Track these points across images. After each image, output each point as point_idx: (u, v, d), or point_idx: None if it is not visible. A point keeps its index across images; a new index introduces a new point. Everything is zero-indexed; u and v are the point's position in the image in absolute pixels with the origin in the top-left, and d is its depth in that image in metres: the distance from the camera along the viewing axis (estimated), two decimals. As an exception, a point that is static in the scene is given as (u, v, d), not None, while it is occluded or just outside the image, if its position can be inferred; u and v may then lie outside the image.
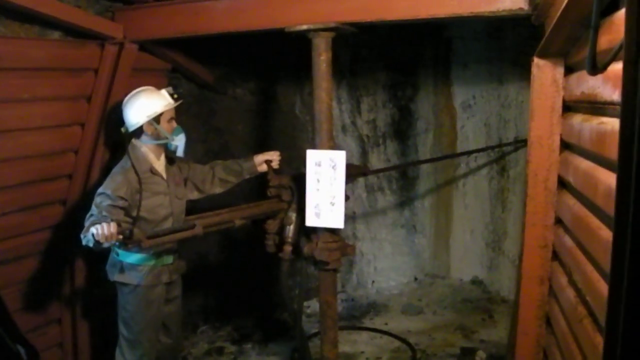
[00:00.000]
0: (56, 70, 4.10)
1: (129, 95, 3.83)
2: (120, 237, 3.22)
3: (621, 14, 1.60)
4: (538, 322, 3.01)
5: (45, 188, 4.34)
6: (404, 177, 6.78)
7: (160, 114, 3.77)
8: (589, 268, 2.09)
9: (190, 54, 5.15)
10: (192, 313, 5.64)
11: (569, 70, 2.75)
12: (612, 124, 1.82)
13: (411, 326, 5.72)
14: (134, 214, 3.67)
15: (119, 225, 3.27)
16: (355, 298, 6.45)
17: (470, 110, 6.45)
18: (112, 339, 4.06)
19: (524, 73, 3.69)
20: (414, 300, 6.33)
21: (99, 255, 3.80)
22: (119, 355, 3.96)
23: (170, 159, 4.01)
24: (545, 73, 2.84)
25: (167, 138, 3.88)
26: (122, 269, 3.81)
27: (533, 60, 2.87)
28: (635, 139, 1.15)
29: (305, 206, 3.82)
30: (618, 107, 1.47)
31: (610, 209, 1.68)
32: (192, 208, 4.07)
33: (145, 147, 3.84)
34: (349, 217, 6.29)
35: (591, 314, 2.06)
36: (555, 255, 2.88)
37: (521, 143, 5.80)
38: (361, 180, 6.31)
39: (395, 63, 6.42)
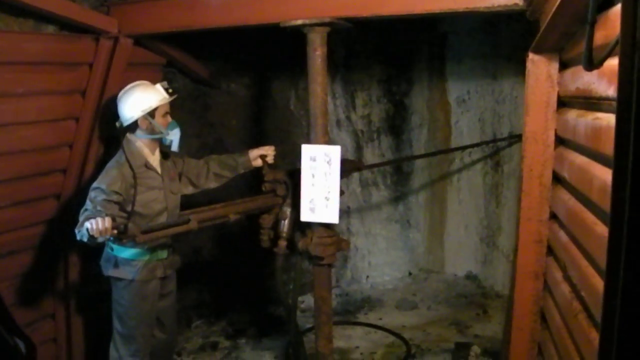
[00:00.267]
0: (51, 65, 4.08)
1: (123, 90, 3.82)
2: (115, 231, 3.22)
3: (617, 9, 1.60)
4: (533, 317, 3.02)
5: (40, 182, 4.33)
6: (399, 172, 6.78)
7: (155, 109, 3.76)
8: (584, 263, 2.10)
9: (185, 49, 5.15)
10: (186, 308, 5.64)
11: (564, 66, 2.75)
12: (608, 119, 1.83)
13: (405, 321, 5.73)
14: (129, 208, 3.67)
15: (113, 220, 3.26)
16: (350, 293, 6.46)
17: (465, 106, 6.46)
18: (106, 334, 4.06)
19: (519, 68, 3.68)
20: (408, 295, 6.34)
21: (93, 250, 3.78)
22: (113, 350, 3.96)
23: (165, 153, 4.00)
24: (540, 68, 2.84)
25: (161, 133, 3.87)
26: (116, 263, 3.80)
27: (528, 56, 2.87)
28: (631, 134, 1.16)
29: (300, 201, 3.82)
30: (613, 103, 1.48)
31: (605, 204, 1.69)
32: (187, 203, 4.06)
33: (140, 142, 3.83)
34: (344, 212, 6.29)
35: (586, 309, 2.07)
36: (550, 251, 2.88)
37: (515, 138, 5.81)
38: (355, 175, 6.30)
39: (390, 58, 6.42)
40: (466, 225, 6.65)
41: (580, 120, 2.26)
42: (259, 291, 5.91)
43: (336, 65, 6.08)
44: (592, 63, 1.55)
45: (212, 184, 4.20)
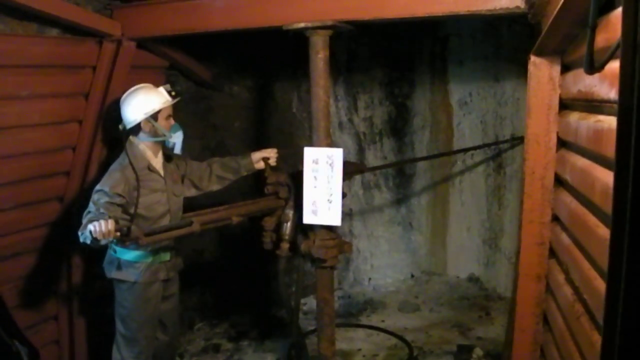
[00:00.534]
0: (54, 68, 4.10)
1: (126, 93, 3.83)
2: (118, 234, 3.22)
3: (618, 12, 1.61)
4: (535, 319, 3.02)
5: (43, 185, 4.34)
6: (401, 175, 6.78)
7: (158, 111, 3.77)
8: (586, 266, 2.10)
9: (188, 52, 5.16)
10: (188, 310, 5.64)
11: (566, 69, 2.76)
12: (609, 122, 1.83)
13: (408, 323, 5.73)
14: (132, 211, 3.68)
15: (116, 222, 3.27)
16: (352, 295, 6.45)
17: (467, 108, 6.45)
18: (109, 336, 4.06)
19: (521, 71, 3.69)
20: (410, 298, 6.34)
21: (96, 252, 3.79)
22: (116, 352, 3.96)
23: (168, 156, 4.00)
24: (542, 71, 2.85)
25: (164, 135, 3.88)
26: (119, 266, 3.81)
27: (530, 58, 2.88)
28: (633, 137, 1.16)
29: (303, 203, 3.82)
30: (615, 105, 1.48)
31: (607, 206, 1.69)
32: (189, 205, 4.07)
33: (143, 145, 3.84)
34: (346, 215, 6.29)
35: (588, 311, 2.07)
36: (552, 253, 2.89)
37: (517, 140, 5.81)
38: (358, 177, 6.30)
39: (392, 60, 6.42)
40: (468, 227, 6.65)
41: (582, 123, 2.26)
42: (261, 293, 5.91)
43: (338, 68, 6.08)
44: (594, 66, 1.56)
45: (215, 187, 4.21)
